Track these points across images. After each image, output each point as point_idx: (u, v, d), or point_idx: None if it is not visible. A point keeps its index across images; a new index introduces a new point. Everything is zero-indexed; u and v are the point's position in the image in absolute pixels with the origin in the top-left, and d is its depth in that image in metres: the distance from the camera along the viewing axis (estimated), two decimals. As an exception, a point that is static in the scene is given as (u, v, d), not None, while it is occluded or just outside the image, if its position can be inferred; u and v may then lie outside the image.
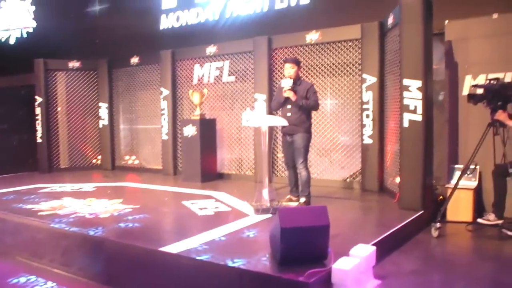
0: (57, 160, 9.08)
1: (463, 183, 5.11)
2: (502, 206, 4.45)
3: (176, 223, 4.88)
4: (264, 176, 5.10)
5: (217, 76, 7.83)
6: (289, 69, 5.18)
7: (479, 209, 5.21)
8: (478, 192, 5.26)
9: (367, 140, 6.20)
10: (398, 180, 5.83)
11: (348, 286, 3.07)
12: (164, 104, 8.26)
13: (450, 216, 5.06)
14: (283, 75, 6.96)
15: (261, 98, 7.08)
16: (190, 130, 7.34)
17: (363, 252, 3.34)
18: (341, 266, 3.13)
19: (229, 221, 4.67)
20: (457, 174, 5.35)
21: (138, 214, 4.99)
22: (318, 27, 6.68)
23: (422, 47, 4.87)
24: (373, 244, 3.69)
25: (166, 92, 8.22)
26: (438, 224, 4.54)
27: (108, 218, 4.89)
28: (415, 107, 4.93)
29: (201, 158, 7.26)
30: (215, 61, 7.81)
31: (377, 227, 4.44)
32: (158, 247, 3.74)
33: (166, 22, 9.11)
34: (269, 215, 4.84)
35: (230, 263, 3.32)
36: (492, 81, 4.42)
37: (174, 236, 4.14)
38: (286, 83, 5.14)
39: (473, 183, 5.19)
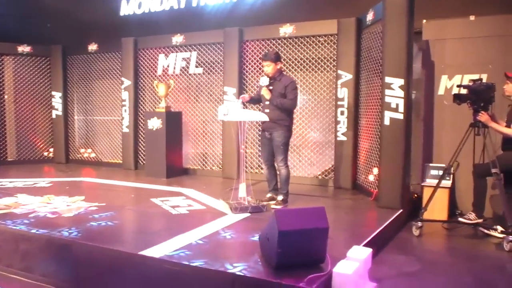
0: (4, 152, 8.35)
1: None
2: (482, 206, 4.50)
3: (150, 223, 4.53)
4: (241, 173, 4.88)
5: (183, 67, 7.47)
6: (266, 67, 4.99)
7: (452, 208, 5.28)
8: (452, 191, 5.32)
9: (341, 137, 6.12)
10: (371, 177, 5.83)
11: (349, 291, 2.93)
12: (125, 95, 7.79)
13: (425, 215, 5.06)
14: (255, 69, 6.83)
15: (231, 92, 6.83)
16: (155, 123, 6.95)
17: (361, 255, 3.20)
18: (342, 270, 2.97)
19: (207, 220, 4.40)
20: (432, 172, 5.40)
21: (105, 213, 4.61)
22: (292, 20, 6.50)
23: (406, 46, 4.83)
24: (364, 245, 3.58)
25: (127, 82, 7.75)
26: (419, 223, 4.52)
27: (73, 217, 4.47)
28: (397, 105, 4.89)
29: (166, 152, 6.90)
30: (181, 51, 7.44)
31: (363, 227, 4.34)
32: (136, 251, 3.42)
33: (127, 8, 8.58)
34: (247, 214, 4.64)
35: (220, 268, 3.07)
36: (476, 82, 4.44)
37: (151, 237, 3.81)
38: (263, 81, 4.98)
39: (448, 182, 5.23)
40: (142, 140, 7.81)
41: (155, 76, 7.69)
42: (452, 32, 5.41)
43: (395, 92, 4.89)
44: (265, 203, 4.92)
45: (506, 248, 4.06)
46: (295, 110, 5.23)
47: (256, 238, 3.66)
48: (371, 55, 5.59)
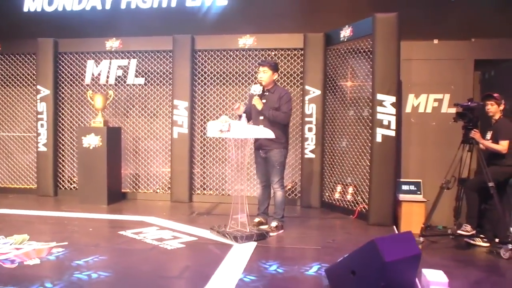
0: None
1: (413, 197, 5.34)
2: (476, 218, 4.73)
3: (157, 265, 3.64)
4: (242, 198, 4.33)
5: (119, 77, 6.51)
6: (261, 73, 4.55)
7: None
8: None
9: (309, 155, 5.94)
10: (337, 195, 5.80)
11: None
12: (42, 107, 6.45)
13: (403, 228, 5.16)
14: (209, 81, 6.29)
15: (182, 106, 6.16)
16: (92, 140, 5.87)
17: (442, 278, 3.03)
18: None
19: (219, 254, 3.77)
20: (403, 188, 5.54)
21: (87, 257, 3.60)
22: (250, 33, 6.16)
23: (397, 63, 4.91)
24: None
25: (45, 91, 6.45)
26: (421, 239, 4.55)
27: (43, 265, 3.41)
28: (389, 122, 4.91)
29: (107, 174, 5.87)
30: (117, 58, 6.49)
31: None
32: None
33: (32, 4, 7.16)
34: (254, 243, 4.13)
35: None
36: (470, 101, 4.66)
37: (183, 284, 3.09)
38: (255, 89, 4.51)
39: (419, 197, 5.43)
40: (63, 161, 6.56)
41: (82, 85, 6.56)
42: (418, 54, 5.69)
43: (387, 109, 4.91)
44: (267, 228, 4.46)
45: (505, 256, 4.30)
46: (291, 124, 4.87)
47: (307, 270, 3.24)
48: (340, 72, 5.59)
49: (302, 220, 5.18)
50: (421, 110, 5.74)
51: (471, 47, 5.63)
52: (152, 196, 6.43)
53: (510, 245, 4.28)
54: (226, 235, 4.23)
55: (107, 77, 6.51)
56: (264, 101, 4.54)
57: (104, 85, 6.52)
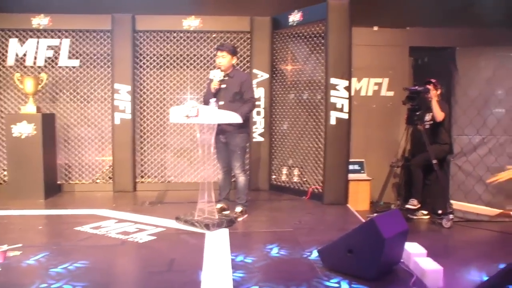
0: None
1: (358, 176, 5.67)
2: (421, 192, 5.16)
3: (139, 260, 3.40)
4: (210, 184, 4.24)
5: (49, 58, 5.92)
6: (220, 58, 4.45)
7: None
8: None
9: (258, 138, 5.98)
10: (284, 177, 5.97)
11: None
12: (-45, 91, 5.66)
13: (351, 206, 5.46)
14: (151, 64, 6.00)
15: (124, 90, 5.81)
16: (24, 129, 5.30)
17: (420, 249, 3.29)
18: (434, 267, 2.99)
19: (197, 243, 3.69)
20: (349, 167, 5.84)
21: (61, 264, 3.23)
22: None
23: (349, 48, 5.10)
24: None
25: (-42, 73, 5.66)
26: (375, 215, 4.86)
27: (17, 272, 3.06)
28: (342, 105, 5.11)
29: (44, 166, 5.36)
30: (46, 37, 5.88)
31: (339, 231, 4.17)
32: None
33: None
34: (225, 229, 4.10)
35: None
36: (416, 86, 5.00)
37: (179, 276, 2.97)
38: (215, 75, 4.42)
39: (364, 175, 5.77)
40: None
41: (3, 67, 5.85)
42: (359, 40, 5.93)
43: (340, 93, 5.10)
44: (233, 214, 4.43)
45: (447, 226, 4.77)
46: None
47: (303, 254, 3.32)
48: (288, 56, 5.70)
49: (258, 204, 5.21)
50: (362, 93, 6.06)
51: (407, 35, 6.05)
52: (91, 187, 6.01)
53: (451, 215, 4.77)
54: (196, 223, 4.13)
55: (35, 58, 5.87)
56: (224, 86, 4.46)
57: (32, 67, 5.88)
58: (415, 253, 3.22)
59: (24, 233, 4.00)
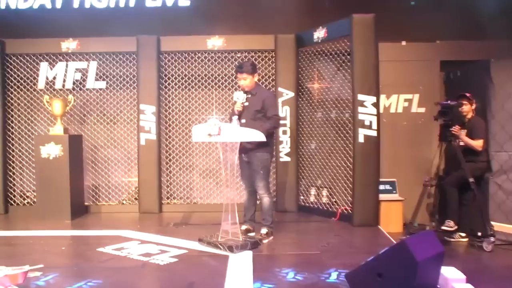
0: None
1: (390, 196, 5.40)
2: (457, 213, 4.86)
3: (159, 283, 3.31)
4: (233, 206, 4.10)
5: (77, 80, 6.02)
6: (242, 80, 4.39)
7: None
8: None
9: (285, 158, 5.84)
10: (312, 198, 5.78)
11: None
12: (-12, 114, 5.81)
13: (383, 228, 5.21)
14: (176, 84, 6.00)
15: (150, 110, 5.81)
16: (52, 150, 5.36)
17: (458, 274, 3.03)
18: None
19: (219, 266, 3.54)
20: (380, 187, 5.59)
21: (75, 281, 3.20)
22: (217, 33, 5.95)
23: (376, 63, 4.95)
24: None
25: (-8, 97, 5.81)
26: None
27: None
28: (370, 122, 4.93)
29: (70, 187, 5.38)
30: (75, 60, 6.00)
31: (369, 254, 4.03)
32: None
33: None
34: (249, 252, 3.93)
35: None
36: (449, 101, 4.78)
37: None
38: (239, 97, 4.41)
39: (396, 195, 5.51)
40: (13, 174, 5.95)
41: (34, 90, 5.99)
42: (387, 55, 5.77)
43: (367, 109, 4.93)
44: (258, 236, 4.28)
45: (488, 249, 4.45)
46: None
47: (327, 278, 3.12)
48: (313, 74, 5.60)
49: (285, 225, 5.04)
50: (392, 110, 5.86)
51: (437, 49, 5.85)
52: (117, 208, 5.99)
53: (492, 238, 4.45)
54: (219, 245, 4.00)
55: (64, 80, 5.99)
56: (246, 103, 4.38)
57: (61, 89, 6.00)
58: (453, 279, 2.97)
59: (46, 253, 3.97)
